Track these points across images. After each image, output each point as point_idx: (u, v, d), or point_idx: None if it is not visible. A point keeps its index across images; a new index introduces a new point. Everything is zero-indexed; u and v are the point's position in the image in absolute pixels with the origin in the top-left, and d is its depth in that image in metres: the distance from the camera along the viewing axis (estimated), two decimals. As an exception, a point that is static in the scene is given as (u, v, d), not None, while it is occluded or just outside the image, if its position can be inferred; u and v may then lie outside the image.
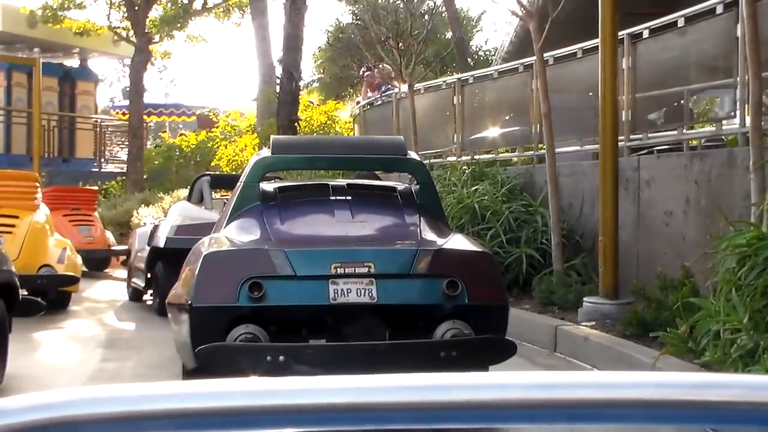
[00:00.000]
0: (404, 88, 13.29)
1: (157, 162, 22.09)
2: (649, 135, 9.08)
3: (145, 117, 23.53)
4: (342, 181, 6.34)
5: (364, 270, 5.06)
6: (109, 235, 14.63)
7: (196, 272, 5.11)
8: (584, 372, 0.99)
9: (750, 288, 4.71)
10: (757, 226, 4.99)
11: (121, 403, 0.81)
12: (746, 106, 6.89)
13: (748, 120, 6.54)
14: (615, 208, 7.49)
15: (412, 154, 6.44)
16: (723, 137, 8.46)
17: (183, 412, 0.80)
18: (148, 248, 10.24)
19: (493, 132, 12.38)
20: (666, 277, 6.78)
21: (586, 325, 7.20)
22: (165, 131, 27.80)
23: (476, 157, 11.70)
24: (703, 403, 0.77)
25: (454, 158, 12.52)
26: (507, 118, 12.33)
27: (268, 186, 6.13)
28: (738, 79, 7.49)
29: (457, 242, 5.58)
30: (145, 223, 12.05)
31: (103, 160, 24.65)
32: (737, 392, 0.78)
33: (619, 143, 7.96)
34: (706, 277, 5.82)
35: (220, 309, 5.03)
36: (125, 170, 21.73)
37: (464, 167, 11.05)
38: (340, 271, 5.04)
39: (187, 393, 0.82)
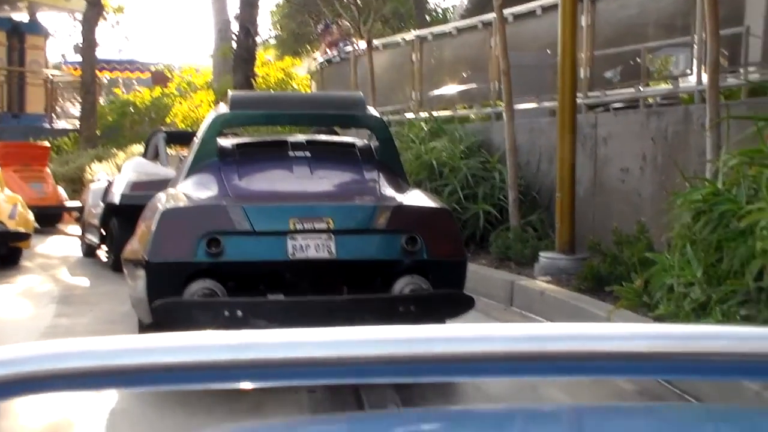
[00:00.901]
0: (362, 44, 13.20)
1: (110, 118, 21.80)
2: (607, 92, 9.12)
3: (98, 73, 23.13)
4: (301, 137, 6.28)
5: (323, 225, 5.04)
6: (61, 191, 14.45)
7: (153, 228, 5.06)
8: (569, 324, 1.00)
9: (704, 243, 4.77)
10: (712, 183, 5.04)
11: (88, 357, 0.79)
12: (703, 64, 6.94)
13: (705, 78, 6.59)
14: (572, 164, 7.53)
15: (372, 110, 6.40)
16: (678, 95, 8.52)
17: (148, 366, 0.78)
18: (102, 204, 10.12)
19: (451, 89, 12.36)
20: (621, 233, 6.86)
21: (542, 280, 7.27)
22: (118, 87, 27.39)
23: (434, 113, 11.68)
24: (699, 354, 0.76)
25: (412, 115, 12.49)
26: (466, 75, 12.30)
27: (225, 142, 6.06)
28: (695, 37, 7.53)
29: (417, 198, 5.57)
30: (99, 179, 11.90)
31: (54, 115, 24.24)
32: (745, 343, 0.77)
33: (577, 100, 7.98)
34: (661, 232, 5.89)
35: (178, 264, 4.99)
36: (78, 126, 21.41)
37: (422, 124, 11.03)
38: (298, 226, 5.02)
39: (151, 347, 0.80)
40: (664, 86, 8.99)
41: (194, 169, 5.69)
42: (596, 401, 4.25)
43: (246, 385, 0.84)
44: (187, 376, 0.79)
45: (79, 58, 24.09)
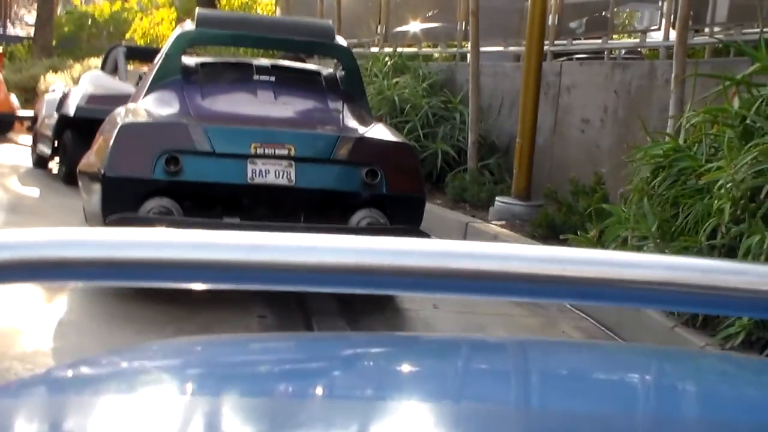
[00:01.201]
0: (331, -28, 12.99)
1: (67, 29, 21.29)
2: (574, 42, 9.11)
3: (56, -20, 22.51)
4: (266, 61, 6.20)
5: (284, 152, 5.01)
6: (13, 98, 14.13)
7: (111, 142, 4.98)
8: (526, 245, 1.03)
9: (661, 198, 4.82)
10: (674, 138, 5.08)
11: (45, 247, 0.77)
12: (671, 19, 6.95)
13: (672, 33, 6.61)
14: (534, 111, 7.54)
15: (340, 40, 6.33)
16: (641, 50, 8.54)
17: (108, 260, 0.77)
18: (56, 115, 9.92)
19: (417, 26, 12.24)
20: (578, 183, 6.91)
21: (496, 224, 7.31)
22: (77, -3, 26.72)
23: (399, 49, 11.58)
24: (721, 288, 0.76)
25: (376, 49, 12.37)
26: (433, 13, 12.19)
27: (189, 60, 5.96)
28: (666, -8, 7.53)
29: (379, 132, 5.55)
30: (54, 90, 11.64)
31: (9, 21, 23.60)
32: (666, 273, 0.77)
33: (544, 47, 7.96)
34: (618, 185, 5.94)
35: (134, 181, 4.93)
36: (33, 34, 20.86)
37: (386, 59, 10.94)
38: (259, 151, 4.98)
39: (113, 241, 0.78)
40: (631, 40, 9.00)
41: (156, 85, 5.60)
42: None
43: (201, 285, 0.83)
44: (146, 272, 0.78)
45: (37, -36, 23.40)
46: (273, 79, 5.75)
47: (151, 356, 1.27)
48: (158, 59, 5.88)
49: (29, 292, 4.85)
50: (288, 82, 5.80)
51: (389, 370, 1.25)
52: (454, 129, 9.44)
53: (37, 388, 1.14)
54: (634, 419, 1.05)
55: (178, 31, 6.06)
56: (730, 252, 4.11)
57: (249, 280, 0.80)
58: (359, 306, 5.14)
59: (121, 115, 5.32)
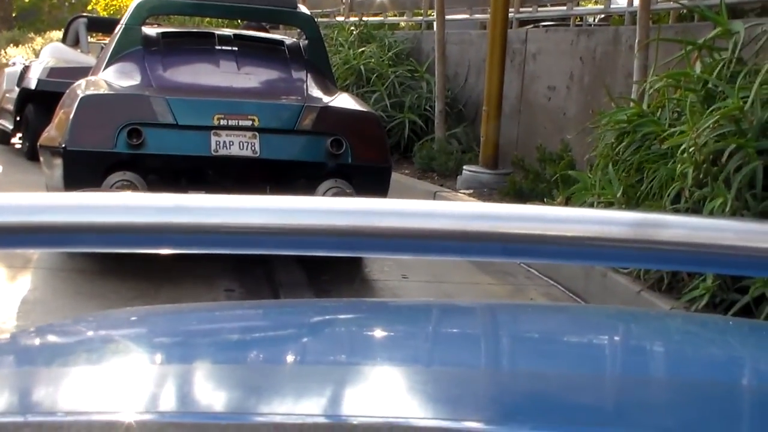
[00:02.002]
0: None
1: (27, 0, 20.94)
2: (539, 9, 9.09)
3: (15, -49, 22.11)
4: (228, 32, 6.13)
5: (248, 123, 4.96)
6: (-27, 73, 13.88)
7: (72, 115, 4.91)
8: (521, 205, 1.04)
9: (626, 163, 4.84)
10: (638, 103, 5.09)
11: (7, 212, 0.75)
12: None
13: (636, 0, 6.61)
14: (501, 79, 7.53)
15: (303, 8, 6.27)
16: (608, 16, 8.55)
17: (74, 225, 0.75)
18: (17, 89, 9.77)
19: (383, -6, 12.16)
20: (545, 150, 6.92)
21: (464, 193, 7.32)
22: (37, -31, 26.26)
23: (365, 18, 11.51)
24: (650, 241, 0.76)
25: (342, 18, 12.29)
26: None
27: (150, 30, 5.88)
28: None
29: (344, 101, 5.51)
30: (14, 63, 11.47)
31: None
32: (683, 232, 0.77)
33: (509, 15, 7.94)
34: (584, 152, 5.95)
35: (96, 154, 4.86)
36: (-8, 7, 20.53)
37: (352, 28, 10.88)
38: (223, 122, 4.93)
39: (79, 205, 0.76)
40: (596, 6, 9.00)
41: (117, 57, 5.52)
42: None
43: (169, 249, 0.81)
44: (111, 237, 0.76)
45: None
46: (236, 49, 5.69)
47: (117, 323, 1.26)
48: (118, 30, 5.79)
49: (-9, 269, 4.79)
50: (251, 52, 5.74)
51: (360, 336, 1.25)
52: (420, 98, 9.42)
53: None
54: (602, 379, 1.06)
55: (137, 0, 5.97)
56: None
57: (215, 243, 0.78)
58: (327, 277, 5.14)
59: (82, 88, 5.24)
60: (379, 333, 1.28)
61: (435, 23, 8.80)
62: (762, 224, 0.78)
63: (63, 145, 4.86)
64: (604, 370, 1.11)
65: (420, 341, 1.23)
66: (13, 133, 10.30)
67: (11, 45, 15.34)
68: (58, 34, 12.68)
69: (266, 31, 7.78)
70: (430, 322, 1.34)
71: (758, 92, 3.95)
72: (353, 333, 1.26)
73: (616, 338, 1.30)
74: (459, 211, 0.79)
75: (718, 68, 4.41)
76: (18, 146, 10.28)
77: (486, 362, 1.13)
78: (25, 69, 9.89)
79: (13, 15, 19.92)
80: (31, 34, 16.08)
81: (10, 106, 10.05)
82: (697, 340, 1.29)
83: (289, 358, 1.13)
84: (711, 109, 4.18)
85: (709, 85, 4.43)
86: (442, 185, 7.79)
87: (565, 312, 1.59)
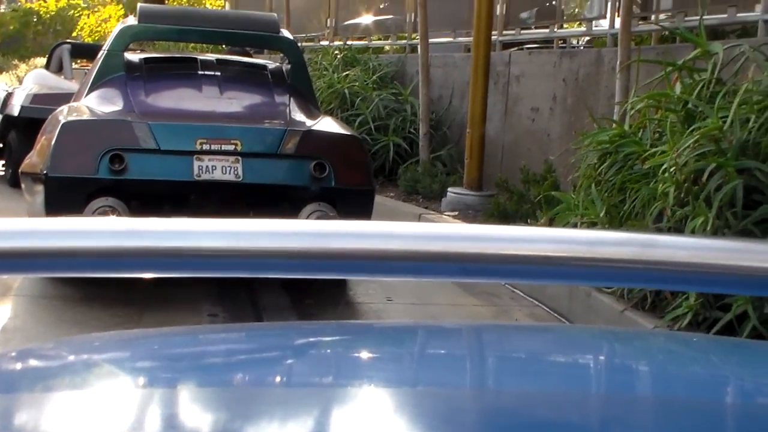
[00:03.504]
0: (279, -34, 12.91)
1: (12, 27, 20.94)
2: (522, 31, 9.14)
3: (0, -22, 22.15)
4: (211, 56, 6.14)
5: (231, 147, 4.96)
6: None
7: (53, 141, 4.90)
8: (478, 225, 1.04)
9: (608, 184, 4.86)
10: (619, 124, 5.12)
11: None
12: (617, 8, 6.99)
13: (617, 22, 6.65)
14: (484, 101, 7.55)
15: (285, 33, 6.28)
16: (591, 38, 8.60)
17: (45, 251, 0.74)
18: (0, 116, 9.75)
19: (367, 18, 12.23)
20: (529, 172, 6.93)
21: (449, 215, 7.33)
22: (22, -5, 26.29)
23: (349, 42, 11.55)
24: (598, 260, 0.75)
25: (326, 42, 12.33)
26: (382, 5, 12.18)
27: (132, 56, 5.88)
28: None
29: (327, 124, 5.52)
30: (-2, 90, 11.44)
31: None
32: (635, 250, 0.77)
33: (492, 37, 7.98)
34: (568, 173, 5.97)
35: (78, 180, 4.85)
36: (-23, 34, 20.51)
37: (336, 52, 10.91)
38: (205, 147, 4.93)
39: (54, 230, 0.75)
40: (579, 29, 9.06)
41: (99, 82, 5.52)
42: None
43: (154, 273, 0.80)
44: (95, 262, 0.76)
45: (-20, -38, 23.00)
46: (218, 73, 5.70)
47: (100, 347, 1.25)
48: (100, 56, 5.79)
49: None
50: (233, 76, 5.75)
51: (345, 358, 1.23)
52: (405, 121, 9.44)
53: None
54: (588, 399, 1.06)
55: (120, 26, 5.98)
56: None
57: (199, 267, 0.78)
58: (311, 300, 5.12)
59: (63, 114, 5.23)
60: (364, 355, 1.27)
61: (419, 46, 8.84)
62: (743, 242, 0.79)
63: (44, 172, 4.84)
64: (589, 390, 1.11)
65: (406, 363, 1.22)
66: (-4, 161, 10.27)
67: (-5, 72, 15.32)
68: (43, 60, 12.67)
69: (250, 55, 7.79)
70: (415, 344, 1.34)
71: (737, 112, 3.97)
72: (338, 356, 1.25)
73: (601, 358, 1.30)
74: (445, 232, 0.79)
75: (698, 89, 4.44)
76: (1, 173, 10.24)
77: (472, 384, 1.12)
78: (8, 96, 9.88)
79: (-2, 42, 19.93)
80: (16, 61, 16.08)
81: (-6, 134, 10.01)
82: (681, 359, 1.29)
83: (274, 382, 1.12)
84: (691, 129, 4.20)
85: (689, 106, 4.45)
86: (426, 207, 7.80)
87: (550, 332, 1.59)
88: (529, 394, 1.03)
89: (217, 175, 4.91)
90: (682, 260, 0.76)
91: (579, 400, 1.02)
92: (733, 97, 4.14)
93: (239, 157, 4.95)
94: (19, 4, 24.39)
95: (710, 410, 0.98)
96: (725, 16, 6.29)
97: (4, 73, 14.94)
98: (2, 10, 23.17)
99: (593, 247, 0.76)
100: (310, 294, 5.19)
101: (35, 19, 20.39)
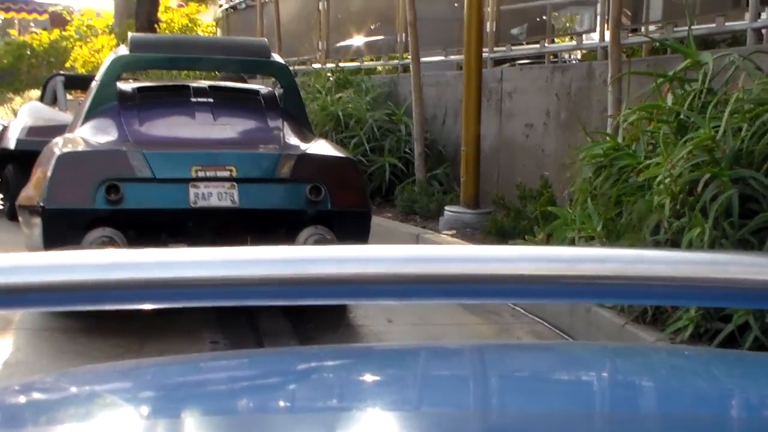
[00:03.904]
0: (269, -9, 12.96)
1: (6, 61, 21.00)
2: (513, 47, 9.18)
3: (-8, 13, 22.23)
4: (204, 83, 6.16)
5: (226, 174, 4.97)
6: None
7: (49, 173, 4.90)
8: (463, 246, 1.04)
9: (604, 197, 4.86)
10: (613, 137, 5.13)
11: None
12: (606, 21, 7.02)
13: (607, 35, 6.68)
14: (478, 118, 7.57)
15: (276, 57, 6.30)
16: (582, 52, 8.64)
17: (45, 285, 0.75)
18: (-4, 150, 9.75)
19: (358, 40, 12.27)
20: (525, 188, 6.94)
21: (446, 234, 7.32)
22: (14, 29, 26.37)
23: (341, 64, 11.59)
24: (584, 277, 0.76)
25: (318, 65, 12.37)
26: (373, 26, 12.23)
27: (125, 86, 5.90)
28: (600, -6, 7.62)
29: (321, 147, 5.53)
30: (-7, 124, 11.45)
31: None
32: (617, 266, 0.77)
33: (483, 55, 8.00)
34: (564, 187, 5.97)
35: (75, 211, 4.85)
36: (-30, 69, 20.58)
37: (329, 74, 10.94)
38: (201, 174, 4.93)
39: (56, 264, 0.76)
40: (569, 43, 9.09)
41: (92, 113, 5.53)
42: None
43: (156, 304, 0.81)
44: (96, 295, 0.76)
45: (-28, -3, 23.07)
46: (211, 100, 5.71)
47: (102, 378, 1.25)
48: (93, 87, 5.81)
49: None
50: (226, 102, 5.76)
51: (348, 382, 1.23)
52: (400, 141, 9.45)
53: None
54: (593, 417, 1.06)
55: (111, 56, 6.00)
56: (673, 246, 4.14)
57: (202, 297, 0.78)
58: (312, 324, 5.11)
59: (58, 146, 5.24)
60: (367, 379, 1.27)
61: (411, 66, 8.87)
62: (739, 256, 0.79)
63: (41, 204, 4.84)
64: (594, 409, 1.11)
65: (409, 386, 1.22)
66: (-7, 194, 10.26)
67: (-10, 106, 15.35)
68: (37, 93, 12.70)
69: (244, 81, 7.82)
70: (418, 365, 1.33)
71: (729, 121, 3.98)
72: (341, 380, 1.25)
73: (605, 375, 1.31)
74: (451, 254, 0.79)
75: (689, 99, 4.45)
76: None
77: (476, 405, 1.12)
78: (4, 129, 9.88)
79: (-8, 76, 19.98)
80: (10, 95, 16.12)
81: (-10, 167, 10.01)
82: (684, 374, 1.29)
83: (278, 407, 1.12)
84: (684, 139, 4.21)
85: (681, 116, 4.46)
86: (424, 227, 7.80)
87: (552, 350, 1.59)
88: (535, 415, 1.02)
89: (214, 202, 4.92)
90: (667, 275, 0.77)
91: (585, 420, 1.02)
92: (724, 107, 4.15)
93: (235, 183, 4.96)
94: (12, 37, 24.48)
95: (716, 425, 0.98)
96: (714, 25, 6.32)
97: (-2, 106, 14.97)
98: (-5, 44, 23.27)
99: (577, 265, 0.77)
100: (310, 318, 5.18)
101: (29, 52, 20.44)
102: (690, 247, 3.90)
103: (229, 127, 5.51)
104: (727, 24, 6.31)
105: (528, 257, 0.79)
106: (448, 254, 0.80)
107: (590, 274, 0.77)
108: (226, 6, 17.33)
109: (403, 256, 0.78)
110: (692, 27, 5.18)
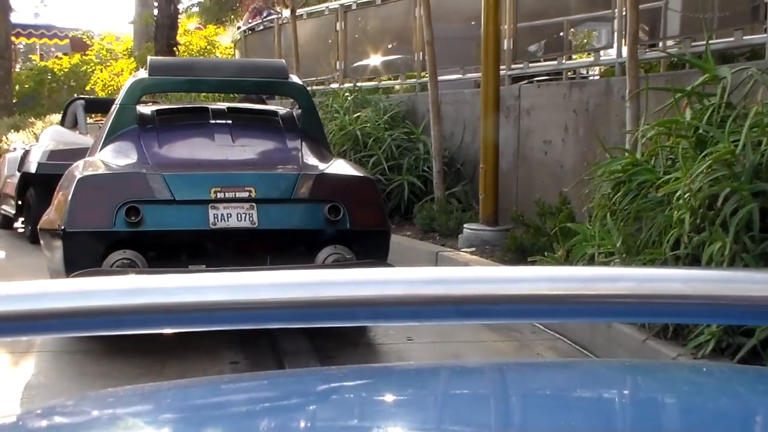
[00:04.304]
0: (286, 13, 13.05)
1: (27, 86, 21.21)
2: (530, 64, 9.18)
3: (13, 38, 22.46)
4: (222, 105, 6.20)
5: (245, 195, 4.99)
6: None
7: (70, 196, 4.94)
8: (476, 267, 1.05)
9: (623, 213, 4.84)
10: (631, 153, 5.11)
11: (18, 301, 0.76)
12: (623, 37, 7.03)
13: (625, 50, 6.67)
14: (496, 136, 7.57)
15: (294, 78, 6.34)
16: (599, 67, 8.63)
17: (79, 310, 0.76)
18: (18, 174, 9.84)
19: (376, 59, 12.32)
20: (544, 204, 6.92)
21: (466, 251, 7.31)
22: (36, 54, 26.65)
23: (359, 84, 11.63)
24: (595, 296, 0.76)
25: (336, 85, 12.41)
26: (390, 46, 12.27)
27: (145, 108, 5.95)
28: (616, 10, 7.62)
29: (339, 167, 5.54)
30: (15, 149, 11.55)
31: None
32: (632, 285, 0.77)
33: (501, 72, 8.01)
34: (583, 203, 5.96)
35: (96, 234, 4.88)
36: (-7, 94, 20.79)
37: (347, 94, 10.98)
38: (220, 195, 4.95)
39: (70, 291, 0.77)
40: (586, 59, 9.09)
41: (112, 136, 5.58)
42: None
43: (181, 328, 0.82)
44: (120, 320, 0.77)
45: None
46: (230, 121, 5.75)
47: (123, 401, 1.25)
48: (113, 110, 5.85)
49: (-5, 355, 4.77)
50: (245, 123, 5.79)
51: (368, 402, 1.23)
52: (418, 159, 9.47)
53: None
54: None
55: (131, 80, 6.05)
56: (693, 261, 4.12)
57: (223, 321, 0.79)
58: (332, 344, 5.11)
59: (79, 169, 5.29)
60: (388, 399, 1.27)
61: (428, 85, 8.89)
62: (753, 273, 0.79)
63: (62, 227, 4.88)
64: (616, 427, 1.11)
65: (430, 405, 1.22)
66: (15, 218, 10.35)
67: (12, 131, 15.48)
68: (58, 117, 12.81)
69: (264, 102, 7.86)
70: (439, 385, 1.33)
71: (748, 135, 3.96)
72: (361, 400, 1.25)
73: (626, 393, 1.30)
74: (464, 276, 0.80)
75: (708, 114, 4.43)
76: (21, 230, 10.32)
77: (498, 424, 1.12)
78: (26, 153, 9.98)
79: (14, 101, 20.16)
80: (32, 119, 16.26)
81: (12, 192, 10.10)
82: (707, 391, 1.28)
83: (299, 429, 1.12)
84: (703, 154, 4.19)
85: (700, 131, 4.45)
86: (443, 245, 7.79)
87: (574, 368, 1.58)
88: None
89: (233, 223, 4.94)
90: (682, 293, 0.77)
91: None
92: (743, 121, 4.13)
93: (254, 204, 4.98)
94: (34, 62, 24.75)
95: None
96: (732, 39, 6.30)
97: (21, 131, 15.10)
98: (18, 70, 23.50)
99: (591, 284, 0.77)
100: (330, 337, 5.18)
101: (50, 77, 20.65)
102: (710, 261, 3.88)
103: (248, 149, 5.54)
104: (745, 38, 6.30)
105: (543, 278, 0.79)
106: (464, 276, 0.80)
107: (605, 293, 0.77)
108: (244, 28, 17.45)
109: (420, 278, 0.78)
110: (710, 41, 5.16)
